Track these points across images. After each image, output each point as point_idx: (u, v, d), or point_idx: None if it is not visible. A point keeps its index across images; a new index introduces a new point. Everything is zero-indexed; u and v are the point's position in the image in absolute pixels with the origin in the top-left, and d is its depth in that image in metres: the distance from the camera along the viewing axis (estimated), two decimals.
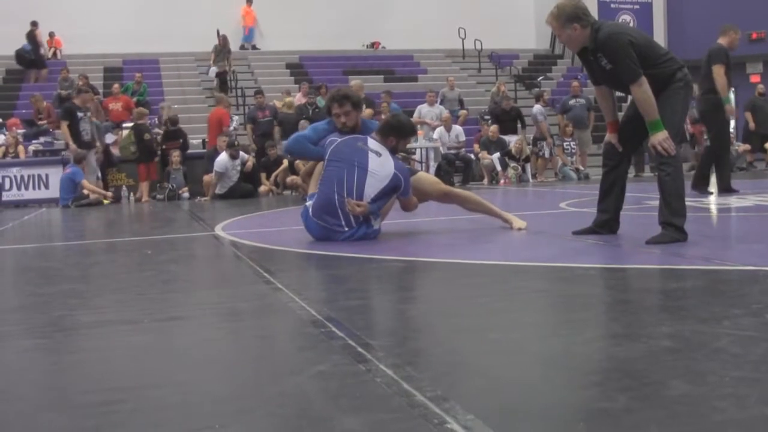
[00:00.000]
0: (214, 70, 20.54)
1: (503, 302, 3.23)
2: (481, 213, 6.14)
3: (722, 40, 9.42)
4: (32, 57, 20.67)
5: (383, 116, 15.88)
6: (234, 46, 21.79)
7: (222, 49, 20.29)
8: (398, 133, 5.57)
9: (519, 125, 17.01)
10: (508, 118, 17.00)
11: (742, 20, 22.34)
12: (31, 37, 20.66)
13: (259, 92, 16.54)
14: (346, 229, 5.28)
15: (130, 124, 15.63)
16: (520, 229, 5.70)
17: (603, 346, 2.41)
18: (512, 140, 16.29)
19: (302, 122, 14.51)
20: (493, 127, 16.32)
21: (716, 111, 9.26)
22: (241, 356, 2.45)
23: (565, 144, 16.46)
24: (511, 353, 2.36)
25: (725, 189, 9.25)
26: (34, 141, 16.35)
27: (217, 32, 20.63)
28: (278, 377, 2.17)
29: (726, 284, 3.51)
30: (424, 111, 17.05)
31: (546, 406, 1.86)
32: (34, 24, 20.72)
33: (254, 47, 24.28)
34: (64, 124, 14.09)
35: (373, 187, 5.29)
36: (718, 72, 9.11)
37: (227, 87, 19.88)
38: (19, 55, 20.67)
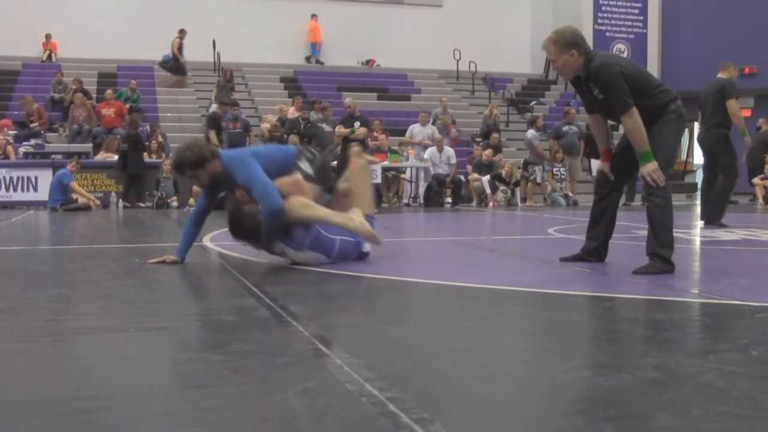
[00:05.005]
0: (215, 107, 18.20)
1: (490, 326, 3.24)
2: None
3: (724, 75, 9.35)
4: (170, 65, 21.26)
5: (375, 134, 15.97)
6: (234, 57, 21.76)
7: (226, 85, 19.27)
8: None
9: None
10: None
11: (734, 54, 22.53)
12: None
13: (234, 104, 16.40)
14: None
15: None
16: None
17: (589, 374, 2.42)
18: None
19: (292, 137, 14.58)
20: (488, 151, 16.38)
21: (724, 144, 9.17)
22: (227, 369, 2.44)
23: (555, 169, 16.52)
24: (498, 378, 2.37)
25: (715, 222, 9.21)
26: (24, 143, 16.29)
27: (220, 68, 20.49)
28: (264, 392, 2.17)
29: (712, 318, 3.53)
30: (416, 130, 17.08)
31: None
32: (181, 32, 21.07)
33: (318, 62, 24.50)
34: (213, 133, 14.54)
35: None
36: (734, 106, 9.07)
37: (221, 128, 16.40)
38: (162, 64, 21.37)
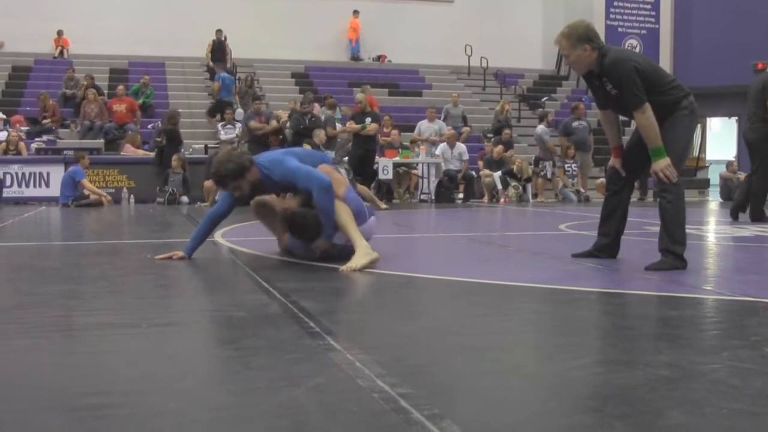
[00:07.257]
0: (240, 112, 18.51)
1: (502, 322, 3.23)
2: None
3: None
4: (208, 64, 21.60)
5: (386, 130, 15.96)
6: (245, 53, 21.79)
7: (248, 91, 19.22)
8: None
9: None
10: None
11: (748, 50, 22.50)
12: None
13: (257, 98, 16.44)
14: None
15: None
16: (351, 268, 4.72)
17: (601, 371, 2.41)
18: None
19: (318, 131, 14.68)
20: (499, 148, 16.34)
21: (765, 141, 9.08)
22: (238, 365, 2.44)
23: (566, 165, 16.46)
24: (509, 374, 2.36)
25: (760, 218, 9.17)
26: (36, 139, 16.35)
27: (232, 64, 20.67)
28: (275, 388, 2.17)
29: (724, 314, 3.52)
30: (423, 127, 17.04)
31: (542, 429, 1.86)
32: (217, 32, 21.36)
33: (359, 59, 24.67)
34: (321, 133, 14.93)
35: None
36: None
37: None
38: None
